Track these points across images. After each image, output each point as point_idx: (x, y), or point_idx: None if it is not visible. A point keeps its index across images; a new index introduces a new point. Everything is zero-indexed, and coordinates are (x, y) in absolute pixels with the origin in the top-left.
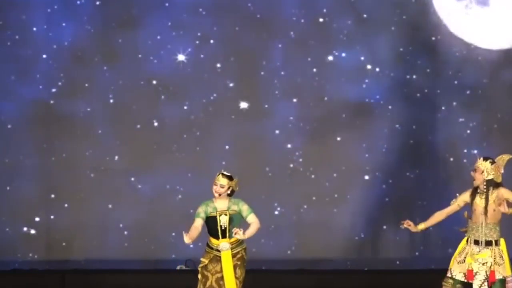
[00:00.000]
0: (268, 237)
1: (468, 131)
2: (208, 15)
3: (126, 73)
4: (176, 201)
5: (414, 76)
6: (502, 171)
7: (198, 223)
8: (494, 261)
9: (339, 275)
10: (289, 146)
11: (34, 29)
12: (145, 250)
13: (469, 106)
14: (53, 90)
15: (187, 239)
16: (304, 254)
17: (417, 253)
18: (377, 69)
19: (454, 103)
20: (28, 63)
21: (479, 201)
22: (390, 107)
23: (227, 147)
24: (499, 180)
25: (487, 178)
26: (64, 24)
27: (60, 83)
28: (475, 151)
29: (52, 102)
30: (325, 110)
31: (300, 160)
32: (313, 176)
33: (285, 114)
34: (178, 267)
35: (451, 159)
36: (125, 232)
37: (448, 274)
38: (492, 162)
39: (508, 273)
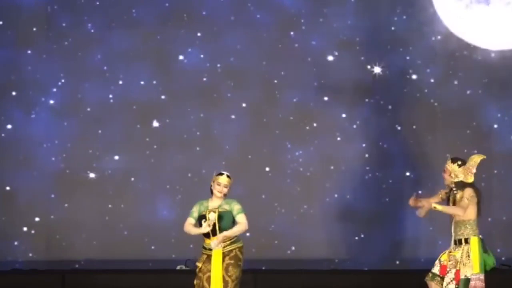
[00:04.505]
0: (268, 237)
1: (468, 131)
2: (208, 15)
3: (126, 73)
4: (176, 201)
5: (414, 76)
6: (474, 171)
7: (191, 221)
8: (460, 260)
9: (339, 275)
10: (289, 146)
11: (34, 29)
12: (145, 250)
13: (469, 106)
14: (54, 90)
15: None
16: (304, 254)
17: (417, 253)
18: (377, 69)
19: (454, 103)
20: (28, 63)
21: (450, 201)
22: (390, 107)
23: (227, 147)
24: (469, 181)
25: (455, 180)
26: (64, 24)
27: (60, 83)
28: (475, 151)
29: (51, 102)
30: (325, 110)
31: (300, 160)
32: (313, 176)
33: (285, 114)
34: (178, 267)
35: None
36: (125, 232)
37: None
38: (461, 164)
39: (476, 271)
